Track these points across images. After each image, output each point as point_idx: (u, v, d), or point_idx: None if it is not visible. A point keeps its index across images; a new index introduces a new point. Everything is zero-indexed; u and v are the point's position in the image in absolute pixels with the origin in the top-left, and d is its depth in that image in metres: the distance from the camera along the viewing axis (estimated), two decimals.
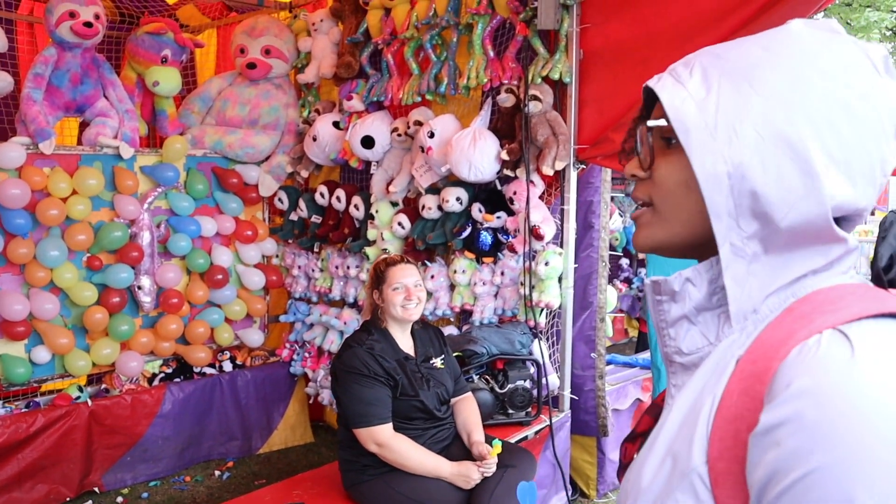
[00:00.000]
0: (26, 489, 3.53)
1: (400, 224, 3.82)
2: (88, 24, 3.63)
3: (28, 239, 3.67)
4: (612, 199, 4.38)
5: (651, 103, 0.84)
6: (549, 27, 3.13)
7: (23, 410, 3.66)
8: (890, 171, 0.74)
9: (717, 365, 0.75)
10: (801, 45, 0.73)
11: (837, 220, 0.72)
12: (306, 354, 4.50)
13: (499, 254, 3.53)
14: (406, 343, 2.74)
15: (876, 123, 0.71)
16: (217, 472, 4.08)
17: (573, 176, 3.29)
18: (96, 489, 3.76)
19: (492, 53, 3.42)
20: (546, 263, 3.25)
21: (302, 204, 4.43)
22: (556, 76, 3.19)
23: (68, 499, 3.65)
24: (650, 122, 0.80)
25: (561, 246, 3.33)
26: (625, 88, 3.11)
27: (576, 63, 3.21)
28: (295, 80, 4.51)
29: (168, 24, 4.10)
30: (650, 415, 0.93)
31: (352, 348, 2.64)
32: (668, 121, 0.76)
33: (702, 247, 0.79)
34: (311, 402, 4.57)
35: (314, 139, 4.17)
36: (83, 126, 4.08)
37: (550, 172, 3.18)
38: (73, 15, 3.62)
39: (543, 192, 3.38)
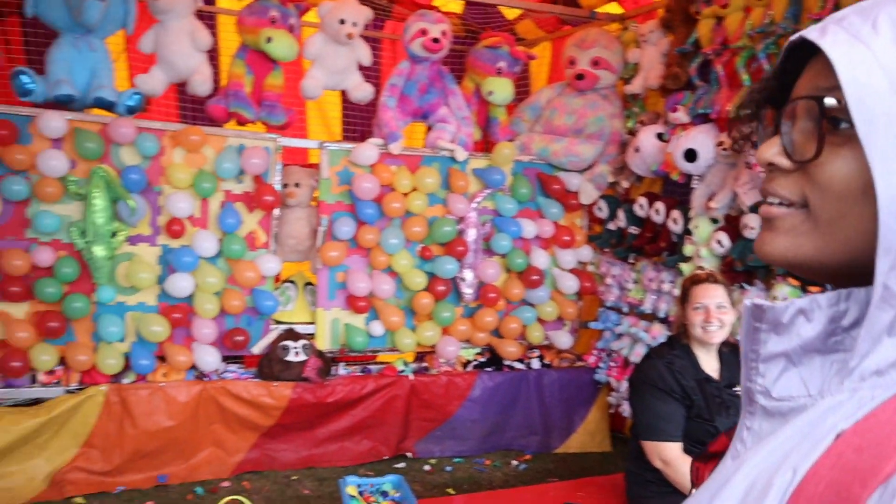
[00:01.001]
0: (355, 441, 4.09)
1: (719, 242, 3.65)
2: (436, 40, 4.08)
3: (374, 227, 4.20)
4: None
5: (801, 61, 0.65)
6: None
7: (358, 374, 4.23)
8: None
9: (810, 431, 0.56)
10: None
11: None
12: (612, 364, 4.51)
13: (827, 284, 3.19)
14: (710, 364, 2.62)
15: None
16: (515, 462, 4.28)
17: None
18: (409, 454, 4.20)
19: None
20: None
21: (621, 214, 4.44)
22: None
23: (385, 457, 4.13)
24: (828, 102, 0.58)
25: None
26: None
27: None
28: (621, 91, 4.55)
29: (505, 38, 4.43)
30: (729, 436, 0.74)
31: (651, 360, 2.61)
32: (837, 99, 0.57)
33: (848, 276, 0.61)
34: (611, 411, 4.56)
35: (637, 150, 4.17)
36: (427, 130, 4.57)
37: None
38: (424, 32, 4.10)
39: None
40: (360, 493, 3.44)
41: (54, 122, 3.50)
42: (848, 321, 0.58)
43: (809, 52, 0.63)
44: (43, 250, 3.57)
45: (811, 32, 0.59)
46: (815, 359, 0.60)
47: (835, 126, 0.58)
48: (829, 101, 0.58)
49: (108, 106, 3.62)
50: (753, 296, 3.46)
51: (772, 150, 0.63)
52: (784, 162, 0.62)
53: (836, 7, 3.04)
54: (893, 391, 0.54)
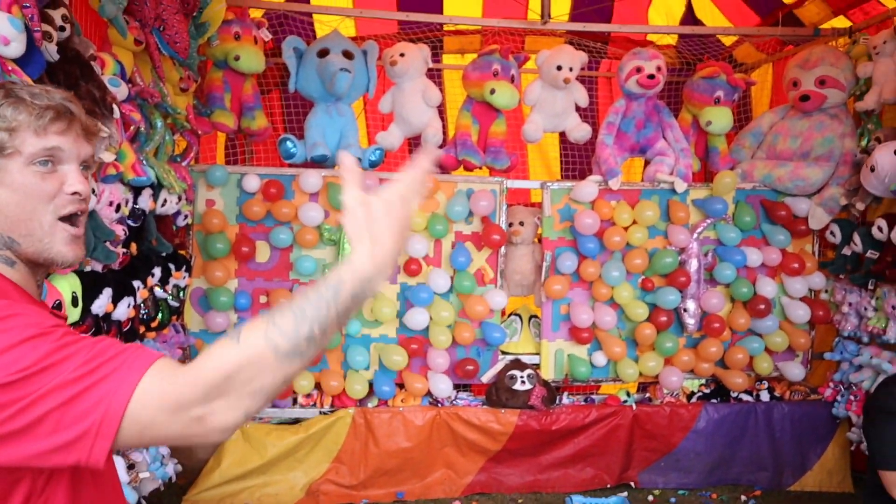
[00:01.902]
0: (578, 468, 4.22)
1: None
2: (651, 76, 4.16)
3: (596, 260, 4.34)
4: None
5: None
6: None
7: (581, 403, 4.36)
8: None
9: None
10: None
11: None
12: (851, 397, 4.25)
13: None
14: None
15: None
16: (743, 498, 4.17)
17: None
18: (632, 484, 4.25)
19: None
20: None
21: (857, 238, 4.20)
22: None
23: (608, 485, 4.21)
24: None
25: None
26: None
27: None
28: (852, 109, 4.32)
29: (721, 67, 4.39)
30: None
31: (889, 387, 2.53)
32: None
33: None
34: (852, 448, 4.29)
35: (872, 170, 3.94)
36: (645, 164, 4.63)
37: None
38: (639, 70, 4.19)
39: None
40: None
41: (312, 179, 4.06)
42: None
43: None
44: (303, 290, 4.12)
45: None
46: None
47: None
48: None
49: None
50: None
51: None
52: None
53: None
54: None
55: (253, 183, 4.06)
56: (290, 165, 4.22)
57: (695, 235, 4.40)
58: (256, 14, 4.28)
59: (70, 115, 1.19)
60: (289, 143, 3.99)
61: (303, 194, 4.14)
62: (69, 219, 1.19)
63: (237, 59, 3.89)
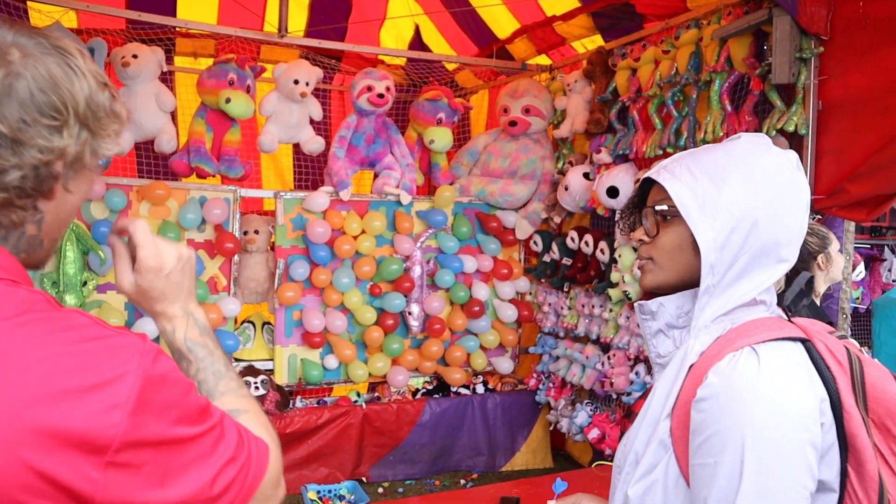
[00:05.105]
0: (312, 469, 4.35)
1: (640, 269, 4.04)
2: (381, 96, 4.45)
3: (327, 268, 4.51)
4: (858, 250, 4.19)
5: (646, 190, 1.19)
6: (784, 81, 3.22)
7: (314, 406, 4.51)
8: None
9: (679, 368, 1.10)
10: (749, 154, 1.09)
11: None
12: (551, 385, 4.87)
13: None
14: None
15: (800, 203, 1.05)
16: (462, 481, 4.60)
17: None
18: (364, 479, 4.47)
19: (729, 108, 3.55)
20: None
21: (554, 247, 4.82)
22: (791, 128, 3.25)
23: (342, 482, 4.39)
24: (657, 207, 1.16)
25: None
26: (865, 138, 3.09)
27: (813, 115, 3.25)
28: (551, 135, 4.98)
29: (444, 91, 4.82)
30: (643, 399, 1.23)
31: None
32: (669, 204, 1.13)
33: (679, 286, 1.15)
34: (551, 429, 4.93)
35: (566, 188, 4.55)
36: (374, 177, 4.92)
37: None
38: (370, 88, 4.47)
39: None
40: (320, 498, 3.74)
41: None
42: (686, 307, 1.15)
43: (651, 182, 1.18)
44: None
45: (653, 174, 1.16)
46: (675, 331, 1.16)
47: (664, 218, 1.16)
48: (661, 207, 1.17)
49: None
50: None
51: (639, 233, 1.20)
52: (646, 238, 1.20)
53: (728, 61, 3.50)
54: (714, 337, 1.08)
55: None
56: None
57: (418, 244, 4.76)
58: None
59: None
60: None
61: None
62: None
63: None
